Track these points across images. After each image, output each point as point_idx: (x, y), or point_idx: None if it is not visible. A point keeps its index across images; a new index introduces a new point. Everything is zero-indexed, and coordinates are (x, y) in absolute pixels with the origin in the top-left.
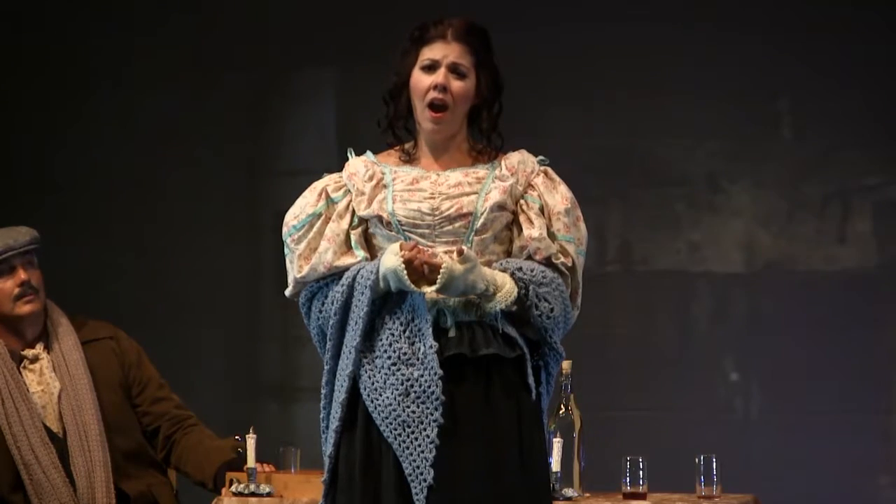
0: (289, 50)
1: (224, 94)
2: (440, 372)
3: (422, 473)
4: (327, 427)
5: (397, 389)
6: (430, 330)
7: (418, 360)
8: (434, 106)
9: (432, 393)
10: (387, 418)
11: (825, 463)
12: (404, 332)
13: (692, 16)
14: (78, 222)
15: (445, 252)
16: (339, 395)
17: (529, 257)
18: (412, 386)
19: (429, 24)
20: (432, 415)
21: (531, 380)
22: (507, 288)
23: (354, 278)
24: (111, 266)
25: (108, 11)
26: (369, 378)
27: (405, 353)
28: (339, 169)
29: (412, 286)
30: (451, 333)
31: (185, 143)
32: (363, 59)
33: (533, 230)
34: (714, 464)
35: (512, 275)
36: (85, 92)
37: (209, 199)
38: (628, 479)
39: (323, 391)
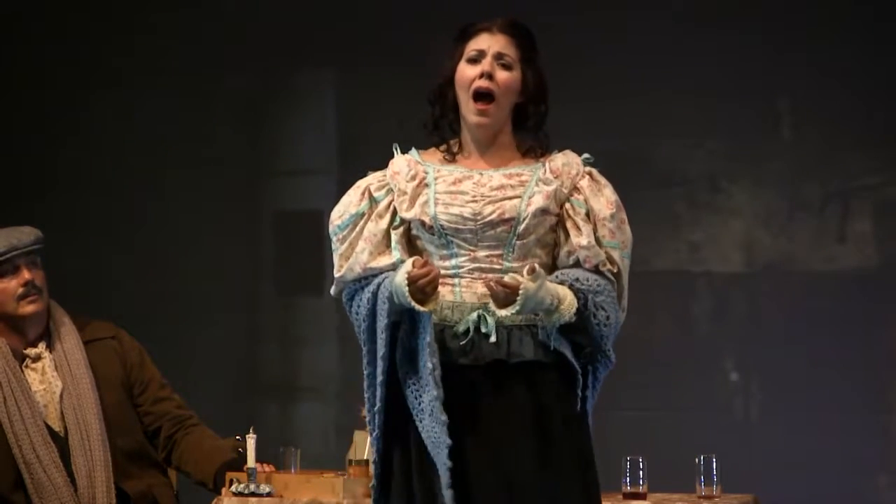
0: (289, 50)
1: (224, 93)
2: (435, 393)
3: (445, 494)
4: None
5: (424, 410)
6: (428, 350)
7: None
8: (480, 95)
9: (439, 415)
10: (427, 438)
11: (825, 463)
12: (423, 351)
13: (692, 15)
14: (79, 222)
15: (506, 273)
16: (375, 402)
17: (577, 264)
18: (434, 406)
19: (474, 22)
20: (442, 437)
21: (578, 385)
22: (568, 300)
23: (379, 286)
24: (112, 266)
25: (109, 11)
26: (416, 398)
27: (422, 374)
28: (339, 168)
29: (414, 304)
30: (492, 339)
31: (185, 143)
32: (363, 59)
33: (581, 238)
34: (714, 464)
35: (570, 286)
36: (85, 92)
37: (209, 199)
38: (628, 479)
39: (366, 395)
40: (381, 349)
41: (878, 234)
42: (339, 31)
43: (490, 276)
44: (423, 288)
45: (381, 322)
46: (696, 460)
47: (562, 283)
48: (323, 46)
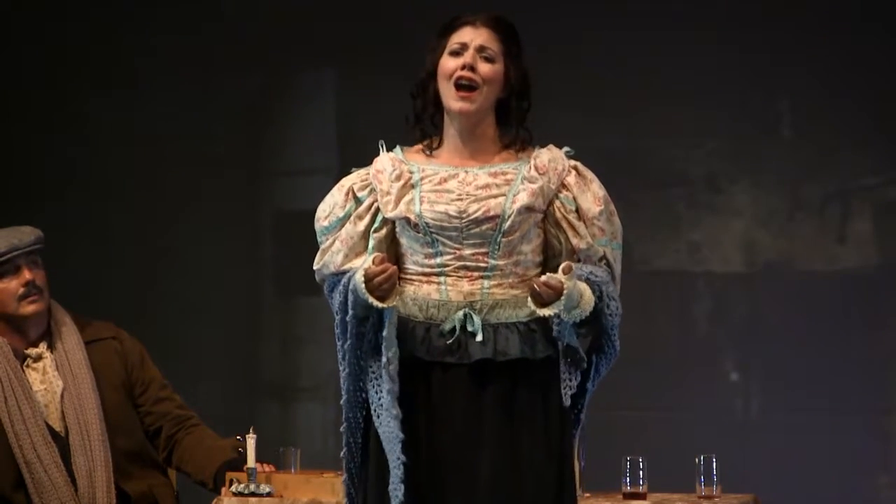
0: (289, 50)
1: (224, 94)
2: (388, 387)
3: (395, 489)
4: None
5: (383, 405)
6: (385, 344)
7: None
8: (461, 85)
9: (391, 409)
10: (383, 434)
11: (825, 463)
12: (382, 346)
13: (692, 16)
14: (79, 222)
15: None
16: (342, 395)
17: (579, 261)
18: (387, 401)
19: (458, 16)
20: (395, 432)
21: (575, 380)
22: (587, 294)
23: (350, 280)
24: (112, 266)
25: (109, 12)
26: (376, 393)
27: (376, 369)
28: (339, 168)
29: (372, 300)
30: (479, 338)
31: (186, 143)
32: (363, 59)
33: (580, 241)
34: (714, 464)
35: (587, 280)
36: (86, 92)
37: (209, 199)
38: (628, 479)
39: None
40: (347, 342)
41: (878, 234)
42: (339, 31)
43: (476, 273)
44: (380, 285)
45: (349, 314)
46: (696, 460)
47: (577, 277)
48: (323, 46)
